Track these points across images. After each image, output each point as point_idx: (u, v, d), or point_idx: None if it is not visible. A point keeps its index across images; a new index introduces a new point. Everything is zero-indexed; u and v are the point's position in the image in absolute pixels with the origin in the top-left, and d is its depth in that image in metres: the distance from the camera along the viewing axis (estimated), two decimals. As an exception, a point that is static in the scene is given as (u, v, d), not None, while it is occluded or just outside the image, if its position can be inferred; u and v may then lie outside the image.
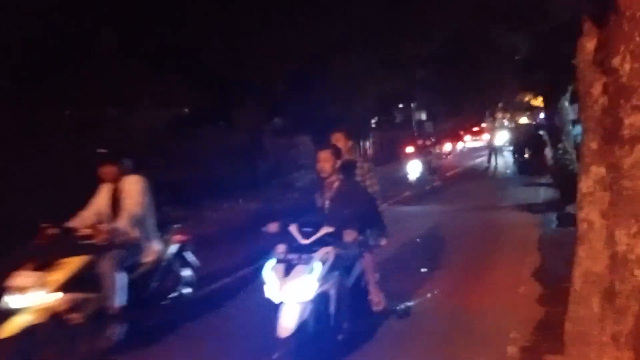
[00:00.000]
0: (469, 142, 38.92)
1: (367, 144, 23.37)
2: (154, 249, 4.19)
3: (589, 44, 1.90)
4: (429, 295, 4.87)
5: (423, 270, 5.79)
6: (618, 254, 1.76)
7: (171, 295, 4.37)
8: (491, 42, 12.55)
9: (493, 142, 22.36)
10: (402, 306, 4.39)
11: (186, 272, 4.61)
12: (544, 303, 4.30)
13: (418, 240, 7.52)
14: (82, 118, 10.38)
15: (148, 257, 4.14)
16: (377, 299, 4.10)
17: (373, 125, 25.29)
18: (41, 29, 8.46)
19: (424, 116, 35.70)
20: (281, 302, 3.16)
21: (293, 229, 3.53)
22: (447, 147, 34.02)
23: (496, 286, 5.06)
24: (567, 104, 12.61)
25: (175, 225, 4.68)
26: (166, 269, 4.32)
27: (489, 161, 20.89)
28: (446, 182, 16.42)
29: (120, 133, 10.70)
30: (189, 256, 4.68)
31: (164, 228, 4.44)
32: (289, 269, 3.25)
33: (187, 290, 4.56)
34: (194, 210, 11.48)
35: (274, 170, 16.86)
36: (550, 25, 9.44)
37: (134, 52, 10.18)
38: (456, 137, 37.79)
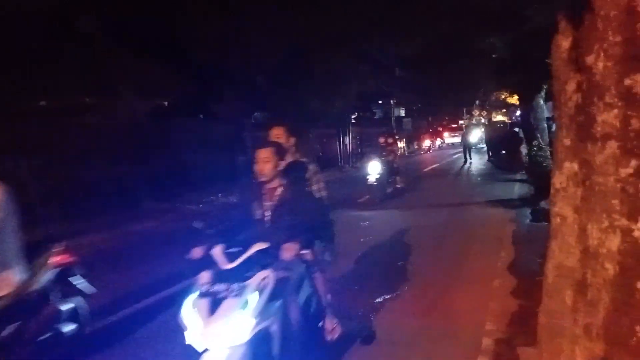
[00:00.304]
0: (447, 138, 39.45)
1: (347, 139, 23.44)
2: (11, 280, 3.06)
3: (564, 43, 1.93)
4: (397, 295, 4.85)
5: (399, 264, 5.85)
6: (590, 247, 1.80)
7: (43, 337, 3.37)
8: (469, 43, 12.74)
9: (468, 139, 22.80)
10: (363, 328, 3.86)
11: (70, 304, 3.61)
12: (518, 296, 4.38)
13: (386, 243, 7.24)
14: (60, 106, 10.16)
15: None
16: (330, 326, 3.36)
17: (353, 121, 25.37)
18: (17, 10, 8.16)
19: (402, 113, 36.03)
20: (206, 350, 2.43)
21: (217, 251, 2.79)
22: (426, 143, 34.47)
23: (471, 280, 5.13)
24: (542, 102, 12.89)
25: (55, 246, 3.60)
26: (34, 303, 3.30)
27: (465, 158, 21.37)
28: (421, 179, 16.63)
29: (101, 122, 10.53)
30: (79, 282, 3.71)
31: (38, 250, 3.46)
32: (215, 304, 2.47)
33: (69, 327, 3.57)
34: (173, 203, 11.36)
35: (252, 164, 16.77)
36: (526, 28, 9.64)
37: (117, 39, 9.95)
38: (435, 134, 38.27)
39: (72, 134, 10.08)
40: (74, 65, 9.31)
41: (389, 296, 4.73)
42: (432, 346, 3.64)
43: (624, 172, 1.69)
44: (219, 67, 12.30)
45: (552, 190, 2.01)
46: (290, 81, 13.99)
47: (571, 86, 1.86)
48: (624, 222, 1.70)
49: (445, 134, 40.02)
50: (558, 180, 1.96)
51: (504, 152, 18.76)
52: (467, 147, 22.08)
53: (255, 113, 17.62)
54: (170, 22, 10.44)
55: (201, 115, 15.26)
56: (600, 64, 1.73)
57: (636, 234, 1.69)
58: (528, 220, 7.88)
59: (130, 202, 10.70)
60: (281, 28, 12.05)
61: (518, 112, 21.82)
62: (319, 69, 14.24)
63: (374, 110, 32.64)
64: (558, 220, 1.96)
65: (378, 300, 4.65)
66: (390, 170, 11.99)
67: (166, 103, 14.07)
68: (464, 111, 40.74)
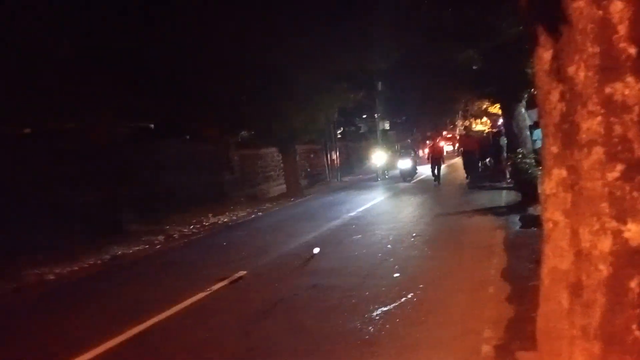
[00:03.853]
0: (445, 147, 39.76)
1: (334, 154, 23.60)
2: None
3: (546, 54, 2.02)
4: (397, 302, 4.93)
5: (395, 275, 5.88)
6: (582, 250, 1.86)
7: None
8: (447, 56, 13.03)
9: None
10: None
11: None
12: (513, 302, 4.44)
13: (376, 255, 7.27)
14: (37, 131, 10.05)
15: None
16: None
17: (339, 136, 25.54)
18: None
19: (387, 126, 36.36)
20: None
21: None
22: (426, 151, 34.81)
23: (465, 288, 5.18)
24: (523, 110, 13.15)
25: None
26: None
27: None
28: (412, 186, 16.77)
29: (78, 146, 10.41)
30: None
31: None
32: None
33: None
34: (162, 226, 11.26)
35: (240, 183, 16.75)
36: (501, 40, 9.92)
37: (95, 63, 9.91)
38: (422, 144, 38.68)
39: (48, 159, 9.98)
40: (50, 90, 9.24)
41: (386, 308, 4.75)
42: (433, 353, 3.66)
43: (611, 176, 1.76)
44: (201, 87, 12.34)
45: (542, 196, 2.07)
46: (272, 99, 14.10)
47: (555, 96, 1.94)
48: (613, 224, 1.77)
49: (442, 143, 40.42)
50: (548, 187, 2.02)
51: (487, 161, 18.70)
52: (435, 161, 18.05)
53: (241, 132, 17.66)
54: (149, 45, 10.45)
55: (187, 136, 15.24)
56: (581, 74, 1.81)
57: (626, 235, 1.75)
58: (517, 227, 7.98)
59: (115, 227, 10.57)
60: (259, 46, 12.18)
61: (500, 121, 21.98)
62: (299, 86, 14.41)
63: (359, 125, 32.91)
64: (550, 225, 2.02)
65: (376, 310, 4.67)
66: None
67: (152, 125, 14.01)
68: (447, 122, 41.27)
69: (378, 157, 22.16)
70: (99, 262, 8.53)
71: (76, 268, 8.10)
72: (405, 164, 19.43)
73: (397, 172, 20.32)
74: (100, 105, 10.54)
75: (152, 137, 13.35)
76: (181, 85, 11.83)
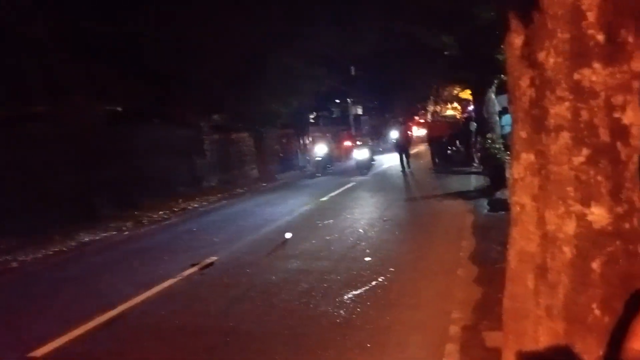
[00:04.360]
0: (416, 132, 40.09)
1: (307, 139, 23.45)
2: None
3: (517, 40, 2.03)
4: (366, 289, 4.98)
5: (367, 259, 5.95)
6: (548, 233, 1.90)
7: None
8: (420, 41, 13.06)
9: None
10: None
11: None
12: (481, 283, 4.56)
13: (349, 239, 7.42)
14: (7, 115, 9.60)
15: None
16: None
17: (311, 121, 25.42)
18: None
19: (360, 111, 36.45)
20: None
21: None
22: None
23: (436, 271, 5.29)
24: (493, 96, 13.37)
25: None
26: None
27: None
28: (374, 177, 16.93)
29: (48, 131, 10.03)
30: None
31: None
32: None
33: None
34: (130, 210, 11.02)
35: (213, 167, 16.52)
36: (474, 26, 9.98)
37: (67, 44, 9.49)
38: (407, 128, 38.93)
39: (19, 144, 9.59)
40: (21, 72, 8.82)
41: (357, 291, 4.80)
42: (402, 335, 3.73)
43: (577, 160, 1.80)
44: (174, 70, 12.03)
45: (510, 180, 2.11)
46: (245, 82, 13.89)
47: (525, 81, 1.96)
48: (578, 207, 1.82)
49: (414, 128, 40.79)
50: (516, 171, 2.06)
51: (455, 148, 18.22)
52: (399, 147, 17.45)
53: (214, 115, 17.35)
54: (123, 26, 10.08)
55: (158, 120, 14.87)
56: (551, 60, 1.83)
57: (590, 218, 1.80)
58: (486, 211, 8.16)
59: (86, 212, 10.28)
60: (233, 30, 11.93)
61: (471, 107, 22.24)
62: (273, 69, 14.23)
63: (332, 110, 32.86)
64: (518, 208, 2.06)
65: (348, 294, 4.72)
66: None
67: (120, 108, 13.58)
68: (419, 107, 41.70)
69: (319, 148, 18.64)
70: (65, 249, 8.30)
71: (40, 255, 7.86)
72: (362, 154, 17.63)
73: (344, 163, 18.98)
74: (73, 88, 10.15)
75: (125, 121, 12.95)
76: (155, 68, 11.50)
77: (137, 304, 5.00)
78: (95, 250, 8.23)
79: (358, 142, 19.10)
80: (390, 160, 19.72)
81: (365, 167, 17.32)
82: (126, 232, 9.47)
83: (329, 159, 19.19)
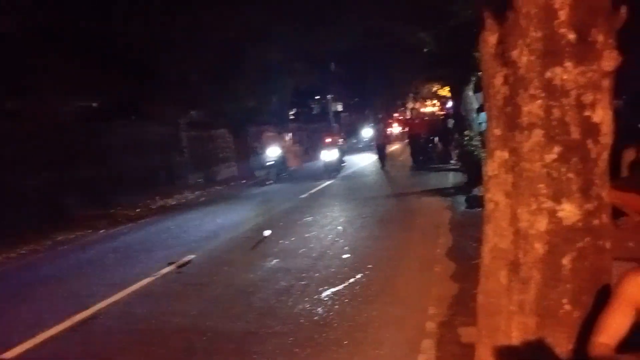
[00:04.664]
0: (395, 129, 40.28)
1: (287, 136, 23.30)
2: None
3: (491, 38, 2.04)
4: (344, 286, 4.99)
5: (345, 256, 5.96)
6: (521, 229, 1.93)
7: None
8: (400, 38, 13.13)
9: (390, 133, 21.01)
10: None
11: None
12: (458, 280, 4.61)
13: (328, 235, 7.50)
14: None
15: None
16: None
17: (292, 117, 25.33)
18: None
19: (340, 107, 36.51)
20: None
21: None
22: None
23: (413, 267, 5.33)
24: (471, 93, 13.53)
25: None
26: None
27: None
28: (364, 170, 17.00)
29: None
30: None
31: None
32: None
33: None
34: (107, 209, 10.81)
35: (191, 165, 16.33)
36: (453, 24, 10.08)
37: (39, 38, 9.19)
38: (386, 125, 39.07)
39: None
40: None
41: (335, 288, 4.80)
42: (380, 331, 3.75)
43: (549, 157, 1.83)
44: (150, 65, 11.82)
45: (485, 178, 2.13)
46: (223, 78, 13.73)
47: (499, 79, 1.97)
48: (549, 204, 1.84)
49: (395, 125, 40.96)
50: (490, 168, 2.08)
51: (433, 145, 18.27)
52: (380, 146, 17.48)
53: (191, 112, 17.13)
54: (97, 20, 9.84)
55: (134, 117, 14.61)
56: (524, 58, 1.85)
57: (560, 214, 1.83)
58: (463, 208, 8.26)
59: (59, 211, 10.03)
60: (209, 23, 11.78)
61: (449, 104, 22.43)
62: (252, 65, 14.10)
63: (312, 106, 32.84)
64: (491, 205, 2.08)
65: (326, 291, 4.72)
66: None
67: (95, 104, 13.29)
68: (398, 104, 42.01)
69: (271, 150, 15.67)
70: (38, 248, 8.09)
71: (13, 255, 7.65)
72: (330, 155, 15.64)
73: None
74: (45, 83, 9.87)
75: (99, 117, 12.67)
76: (130, 63, 11.27)
77: (112, 303, 4.91)
78: (70, 249, 8.05)
79: (327, 140, 16.79)
80: (363, 160, 19.69)
81: (334, 169, 15.73)
82: (101, 231, 9.28)
83: (282, 163, 16.34)
